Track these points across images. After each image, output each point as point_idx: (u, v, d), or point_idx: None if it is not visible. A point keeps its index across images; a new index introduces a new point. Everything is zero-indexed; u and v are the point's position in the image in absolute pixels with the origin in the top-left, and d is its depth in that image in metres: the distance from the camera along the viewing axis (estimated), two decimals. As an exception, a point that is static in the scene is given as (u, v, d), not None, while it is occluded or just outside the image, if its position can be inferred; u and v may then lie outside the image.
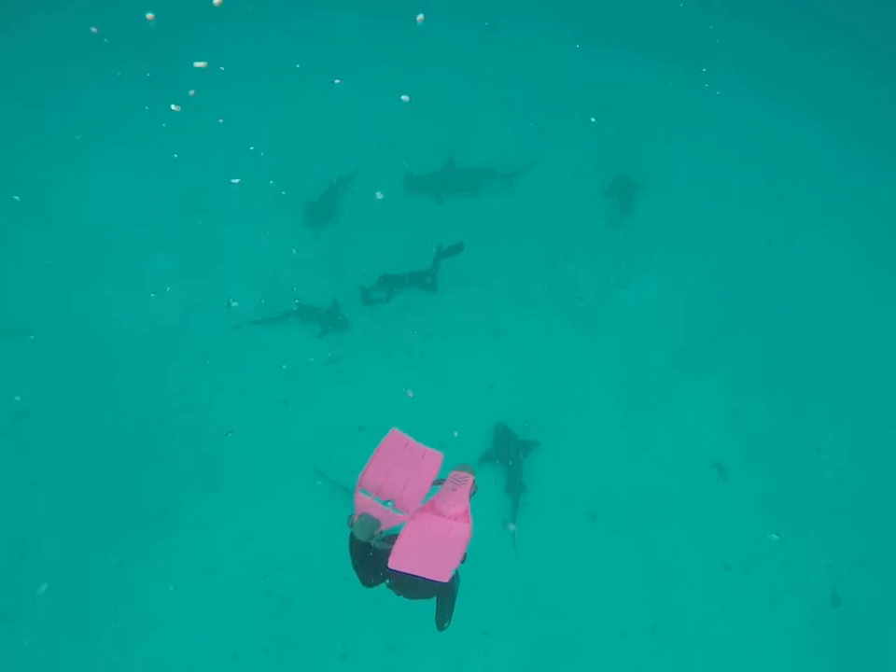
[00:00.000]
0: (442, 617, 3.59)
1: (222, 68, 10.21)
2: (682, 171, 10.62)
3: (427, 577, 2.82)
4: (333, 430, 7.85)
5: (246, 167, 9.68)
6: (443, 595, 3.51)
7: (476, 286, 9.27)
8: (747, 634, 7.14)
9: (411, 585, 3.17)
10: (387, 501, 2.92)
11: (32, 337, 8.41)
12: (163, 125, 9.85)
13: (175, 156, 9.66)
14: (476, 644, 6.90)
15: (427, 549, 2.87)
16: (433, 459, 3.03)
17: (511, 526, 7.37)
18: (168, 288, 8.83)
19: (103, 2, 10.81)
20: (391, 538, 2.94)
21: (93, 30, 9.81)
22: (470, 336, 8.85)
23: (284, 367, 8.41)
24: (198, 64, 10.12)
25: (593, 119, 10.85)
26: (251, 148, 9.79)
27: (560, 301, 9.27)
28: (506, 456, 7.86)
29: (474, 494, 3.14)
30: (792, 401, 8.64)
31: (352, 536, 2.99)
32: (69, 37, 10.54)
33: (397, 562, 2.81)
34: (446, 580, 2.82)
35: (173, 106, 9.48)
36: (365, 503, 2.92)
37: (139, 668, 6.63)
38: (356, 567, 3.19)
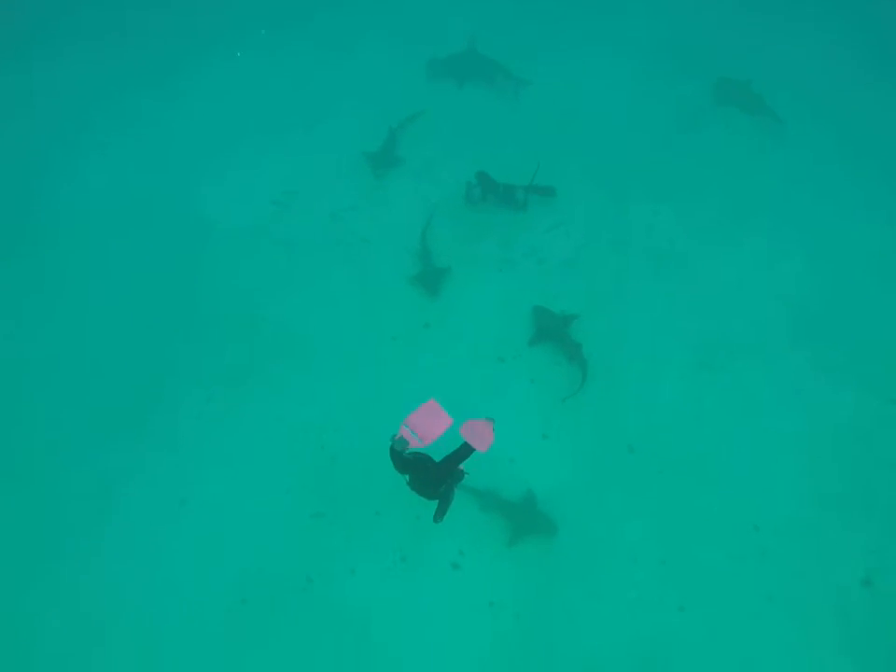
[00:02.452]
0: (439, 514, 5.28)
1: None
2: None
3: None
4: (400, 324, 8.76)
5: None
6: (442, 498, 5.18)
7: (563, 215, 9.56)
8: (768, 598, 7.09)
9: (419, 485, 4.89)
10: (415, 434, 4.73)
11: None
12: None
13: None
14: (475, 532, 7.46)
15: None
16: (446, 420, 4.81)
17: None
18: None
19: None
20: (415, 453, 4.84)
21: None
22: (546, 264, 9.17)
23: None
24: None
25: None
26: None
27: (649, 243, 9.38)
28: (553, 334, 8.31)
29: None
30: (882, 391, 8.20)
31: (392, 447, 4.79)
32: None
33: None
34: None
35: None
36: (405, 432, 4.76)
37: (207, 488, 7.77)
38: (393, 463, 4.85)
